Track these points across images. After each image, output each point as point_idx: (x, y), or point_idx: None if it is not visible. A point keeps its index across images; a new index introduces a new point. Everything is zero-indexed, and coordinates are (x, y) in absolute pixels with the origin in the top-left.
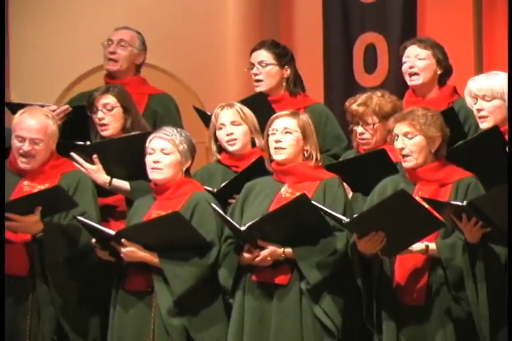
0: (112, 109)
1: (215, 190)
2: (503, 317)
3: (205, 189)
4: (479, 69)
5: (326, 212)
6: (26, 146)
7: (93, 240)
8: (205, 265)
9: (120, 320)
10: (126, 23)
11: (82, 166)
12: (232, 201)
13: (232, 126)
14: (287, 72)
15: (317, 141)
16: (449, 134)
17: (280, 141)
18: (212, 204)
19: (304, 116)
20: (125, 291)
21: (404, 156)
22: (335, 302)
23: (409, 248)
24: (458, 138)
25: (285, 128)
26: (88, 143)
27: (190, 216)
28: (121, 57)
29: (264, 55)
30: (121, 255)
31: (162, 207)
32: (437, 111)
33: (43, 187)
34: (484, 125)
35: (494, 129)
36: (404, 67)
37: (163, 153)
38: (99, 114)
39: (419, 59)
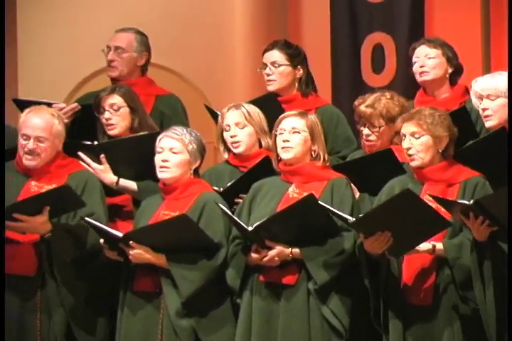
0: (119, 109)
1: (222, 189)
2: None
3: (213, 189)
4: (487, 70)
5: (332, 212)
6: (31, 144)
7: (101, 240)
8: (212, 266)
9: (128, 321)
10: (135, 24)
11: (89, 166)
12: (239, 201)
13: (237, 128)
14: (300, 72)
15: (325, 142)
16: (461, 134)
17: (288, 141)
18: (220, 205)
19: (312, 117)
20: (133, 292)
21: (410, 155)
22: (342, 302)
23: (416, 248)
24: (470, 138)
25: (293, 128)
26: (96, 143)
27: (198, 216)
28: (119, 64)
29: (276, 55)
30: (129, 257)
31: (170, 208)
32: (445, 111)
33: (50, 187)
34: (489, 123)
35: (503, 130)
36: (414, 67)
37: (171, 152)
38: (106, 115)
39: (429, 58)
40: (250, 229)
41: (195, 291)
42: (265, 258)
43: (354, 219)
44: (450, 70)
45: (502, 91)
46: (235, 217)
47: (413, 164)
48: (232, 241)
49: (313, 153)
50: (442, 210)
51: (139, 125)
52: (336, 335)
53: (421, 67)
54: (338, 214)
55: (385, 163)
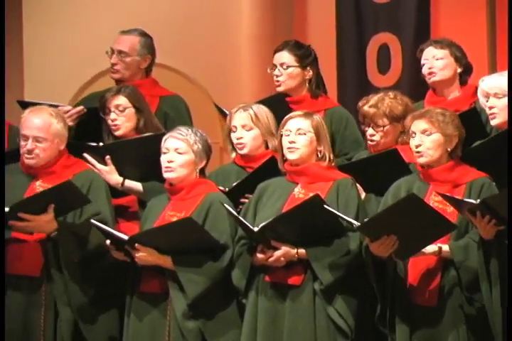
0: (124, 109)
1: (227, 189)
2: None
3: (218, 189)
4: (493, 70)
5: (338, 216)
6: (29, 145)
7: (108, 241)
8: (218, 268)
9: (136, 323)
10: (140, 24)
11: (94, 167)
12: (245, 201)
13: (243, 129)
14: (309, 73)
15: (333, 143)
16: (470, 135)
17: (294, 142)
18: (226, 205)
19: (317, 117)
20: (140, 294)
21: (419, 152)
22: (348, 302)
23: (423, 250)
24: (479, 139)
25: (298, 129)
26: (101, 144)
27: (204, 217)
28: (121, 67)
29: (285, 56)
30: (135, 259)
31: (176, 208)
32: (453, 111)
33: None
34: (495, 121)
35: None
36: (423, 69)
37: (177, 152)
38: (112, 115)
39: (437, 59)
40: (256, 229)
41: (201, 293)
42: (271, 259)
43: (360, 224)
44: (459, 70)
45: None
46: (240, 218)
47: (421, 160)
48: (238, 242)
49: (319, 153)
50: (449, 211)
51: (145, 125)
52: (342, 336)
53: (429, 68)
54: (342, 217)
55: (390, 163)
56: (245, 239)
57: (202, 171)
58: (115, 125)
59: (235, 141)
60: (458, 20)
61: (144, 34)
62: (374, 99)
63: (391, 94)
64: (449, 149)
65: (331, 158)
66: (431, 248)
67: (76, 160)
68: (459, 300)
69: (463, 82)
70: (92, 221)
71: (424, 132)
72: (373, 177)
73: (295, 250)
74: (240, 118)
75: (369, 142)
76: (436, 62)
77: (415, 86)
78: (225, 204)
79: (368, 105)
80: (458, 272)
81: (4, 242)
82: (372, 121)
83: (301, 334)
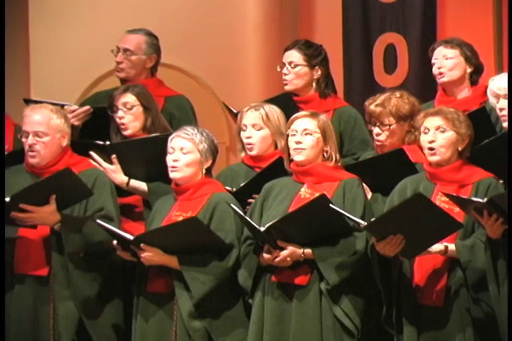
0: (132, 107)
1: (235, 189)
2: None
3: (225, 189)
4: (500, 70)
5: (344, 215)
6: (30, 140)
7: (114, 242)
8: (224, 268)
9: (142, 323)
10: (147, 25)
11: (100, 165)
12: (252, 201)
13: (253, 129)
14: (318, 73)
15: (341, 143)
16: (479, 135)
17: (300, 142)
18: (232, 205)
19: (324, 117)
20: (147, 294)
21: (432, 149)
22: (354, 302)
23: (429, 249)
24: (488, 138)
25: (305, 130)
26: (107, 143)
27: (210, 217)
28: (127, 66)
29: (294, 55)
30: (141, 259)
31: (182, 208)
32: (463, 112)
33: None
34: (506, 124)
35: None
36: (433, 69)
37: (182, 152)
38: (120, 113)
39: (447, 58)
40: (262, 229)
41: (207, 293)
42: (277, 259)
43: (366, 223)
44: (469, 70)
45: None
46: (246, 218)
47: (434, 159)
48: (244, 242)
49: (325, 153)
50: (456, 211)
51: (152, 124)
52: (348, 335)
53: (439, 68)
54: (349, 217)
55: (397, 163)
56: (251, 239)
57: (208, 171)
58: (123, 124)
59: (244, 141)
60: (464, 19)
61: (149, 33)
62: (380, 98)
63: (398, 93)
64: (459, 148)
65: (337, 158)
66: (437, 247)
67: (80, 159)
68: (466, 301)
69: (473, 82)
70: (98, 221)
71: (438, 128)
72: (380, 177)
73: (301, 250)
74: (250, 117)
75: (376, 142)
76: (445, 61)
77: (422, 86)
78: (231, 204)
79: (374, 104)
80: (464, 272)
81: (4, 242)
82: (379, 120)
83: (307, 334)
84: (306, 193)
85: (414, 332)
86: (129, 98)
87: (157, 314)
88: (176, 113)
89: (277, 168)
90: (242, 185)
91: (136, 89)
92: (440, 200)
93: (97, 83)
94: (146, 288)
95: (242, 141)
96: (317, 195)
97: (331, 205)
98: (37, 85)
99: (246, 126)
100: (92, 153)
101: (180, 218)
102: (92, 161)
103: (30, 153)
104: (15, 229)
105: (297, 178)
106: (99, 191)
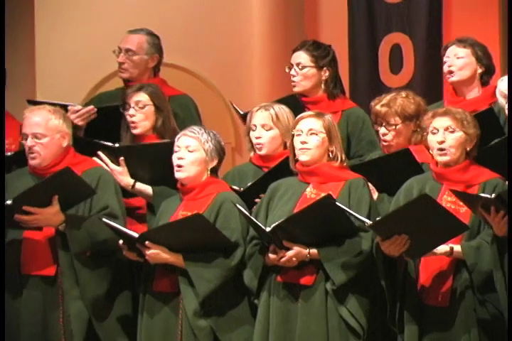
0: (144, 106)
1: (242, 189)
2: None
3: (232, 188)
4: (505, 71)
5: (350, 214)
6: (29, 142)
7: (120, 241)
8: (229, 266)
9: (148, 321)
10: (150, 24)
11: (107, 166)
12: (259, 201)
13: (262, 129)
14: (326, 73)
15: (348, 144)
16: (486, 135)
17: (306, 142)
18: (237, 205)
19: (329, 117)
20: (152, 293)
21: (442, 150)
22: (360, 302)
23: (434, 250)
24: (495, 139)
25: (310, 130)
26: (117, 145)
27: (215, 216)
28: (129, 66)
29: (302, 56)
30: (146, 257)
31: (188, 208)
32: (471, 112)
33: None
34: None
35: None
36: (444, 67)
37: (187, 150)
38: (131, 111)
39: (458, 58)
40: (268, 229)
41: (212, 291)
42: (283, 259)
43: (371, 222)
44: (480, 70)
45: None
46: (252, 218)
47: (443, 159)
48: (250, 242)
49: (330, 153)
50: (462, 211)
51: (163, 125)
52: (354, 335)
53: (449, 66)
54: (354, 216)
55: (403, 163)
56: (257, 239)
57: (214, 171)
58: (133, 122)
59: (253, 141)
60: (470, 20)
61: (151, 33)
62: (386, 98)
63: (403, 93)
64: (468, 149)
65: (343, 158)
66: (442, 248)
67: (84, 158)
68: (472, 302)
69: (484, 83)
70: (104, 219)
71: (447, 129)
72: (386, 177)
73: (307, 250)
74: (260, 117)
75: (382, 142)
76: (456, 60)
77: (427, 86)
78: (236, 204)
79: (380, 104)
80: (470, 273)
81: (4, 242)
82: (385, 120)
83: (313, 334)
84: (311, 193)
85: (415, 331)
86: (142, 97)
87: (163, 312)
88: (179, 112)
89: (285, 168)
90: (249, 184)
91: (150, 89)
92: (446, 200)
93: (102, 83)
94: (152, 287)
95: (251, 141)
96: (323, 195)
97: (337, 203)
98: (42, 86)
99: (256, 126)
100: (100, 153)
101: None
102: (99, 161)
103: (31, 155)
104: (20, 230)
105: (302, 178)
106: (103, 189)
